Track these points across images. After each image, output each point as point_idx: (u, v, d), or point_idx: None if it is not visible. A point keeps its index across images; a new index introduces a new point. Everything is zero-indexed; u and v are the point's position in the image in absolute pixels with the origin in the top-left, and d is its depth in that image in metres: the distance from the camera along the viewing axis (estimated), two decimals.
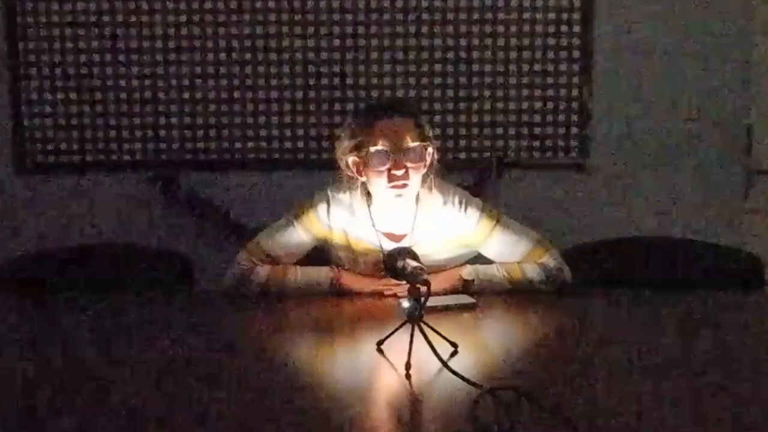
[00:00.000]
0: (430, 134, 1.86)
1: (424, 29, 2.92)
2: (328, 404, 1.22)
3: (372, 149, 1.77)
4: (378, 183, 1.81)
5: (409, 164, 1.78)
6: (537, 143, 2.98)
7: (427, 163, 1.83)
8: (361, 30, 2.92)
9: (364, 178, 1.85)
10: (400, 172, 1.77)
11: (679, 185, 3.01)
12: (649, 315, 1.78)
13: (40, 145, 2.95)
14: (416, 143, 1.79)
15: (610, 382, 1.31)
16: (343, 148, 1.85)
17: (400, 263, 1.51)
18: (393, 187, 1.79)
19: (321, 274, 1.90)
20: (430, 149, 1.83)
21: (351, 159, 1.83)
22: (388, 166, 1.77)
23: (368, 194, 1.89)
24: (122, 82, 2.92)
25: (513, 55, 2.94)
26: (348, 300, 1.86)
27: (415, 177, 1.81)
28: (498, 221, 1.90)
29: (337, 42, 2.92)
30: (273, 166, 2.97)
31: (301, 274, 1.90)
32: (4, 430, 1.11)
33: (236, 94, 2.94)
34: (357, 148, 1.81)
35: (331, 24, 2.91)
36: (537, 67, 2.95)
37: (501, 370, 1.41)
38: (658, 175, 3.01)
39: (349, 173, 1.86)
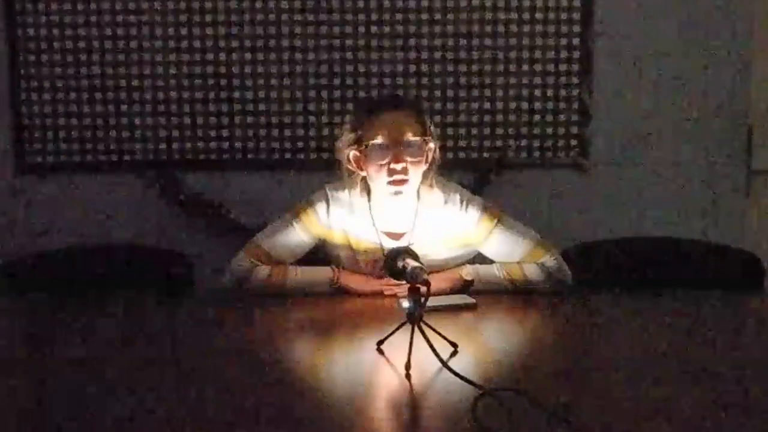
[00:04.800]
0: (432, 130, 1.86)
1: (424, 29, 2.92)
2: (328, 404, 1.22)
3: (372, 142, 1.78)
4: (377, 178, 1.81)
5: (408, 159, 1.78)
6: (537, 143, 2.98)
7: (428, 158, 1.83)
8: (361, 29, 2.92)
9: (363, 173, 1.85)
10: (399, 167, 1.77)
11: (679, 185, 3.01)
12: (648, 315, 1.78)
13: (40, 145, 2.95)
14: (416, 137, 1.79)
15: (609, 382, 1.31)
16: (343, 142, 1.85)
17: (400, 263, 1.51)
18: (392, 182, 1.79)
19: (321, 274, 1.90)
20: (431, 144, 1.83)
21: (351, 153, 1.83)
22: (387, 160, 1.77)
23: (368, 190, 1.89)
24: (122, 82, 2.92)
25: (513, 55, 2.94)
26: (348, 300, 1.86)
27: (415, 172, 1.80)
28: (499, 221, 1.90)
29: (337, 41, 2.92)
30: (273, 166, 2.97)
31: (301, 274, 1.90)
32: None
33: (236, 94, 2.94)
34: (357, 142, 1.81)
35: (331, 23, 2.91)
36: (537, 67, 2.95)
37: (501, 371, 1.41)
38: (657, 175, 3.00)
39: (350, 167, 1.86)
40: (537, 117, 2.97)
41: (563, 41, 2.94)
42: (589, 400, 1.22)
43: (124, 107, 2.93)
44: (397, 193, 1.80)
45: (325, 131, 2.94)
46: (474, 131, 2.97)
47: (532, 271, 1.88)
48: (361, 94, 2.93)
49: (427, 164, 1.84)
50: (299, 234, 1.92)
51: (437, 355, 1.28)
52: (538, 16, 2.92)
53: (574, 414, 1.11)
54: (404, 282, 1.46)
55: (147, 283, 2.10)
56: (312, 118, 2.95)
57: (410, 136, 1.78)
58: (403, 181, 1.79)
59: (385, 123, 1.79)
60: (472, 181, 2.88)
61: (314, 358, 1.53)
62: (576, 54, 2.94)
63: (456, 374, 1.22)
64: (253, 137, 2.96)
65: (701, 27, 2.94)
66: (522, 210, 2.23)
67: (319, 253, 1.98)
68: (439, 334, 1.38)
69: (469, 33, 2.93)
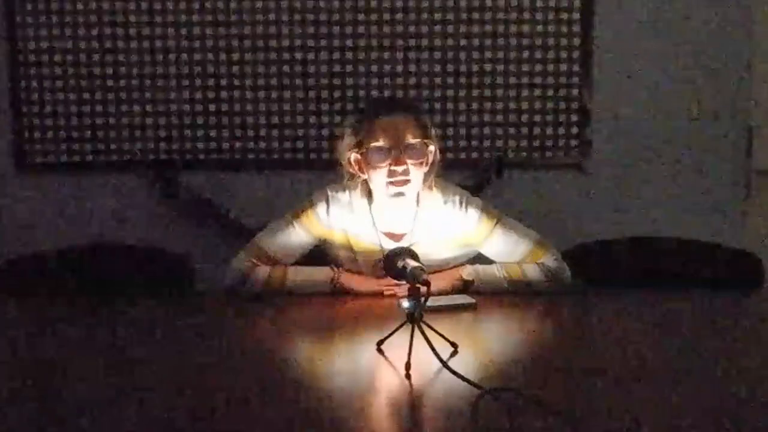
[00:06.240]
0: (432, 132, 1.86)
1: (424, 29, 2.92)
2: (328, 404, 1.22)
3: (372, 146, 1.78)
4: (378, 180, 1.81)
5: (409, 161, 1.78)
6: (537, 143, 2.99)
7: (429, 161, 1.83)
8: (361, 30, 2.92)
9: (365, 176, 1.84)
10: (400, 169, 1.77)
11: (679, 185, 3.01)
12: (648, 315, 1.78)
13: (40, 145, 2.95)
14: (417, 140, 1.79)
15: (609, 382, 1.30)
16: (344, 145, 1.85)
17: (400, 263, 1.51)
18: (393, 184, 1.79)
19: (321, 274, 1.90)
20: (431, 147, 1.83)
21: (352, 156, 1.83)
22: (388, 162, 1.77)
23: (369, 193, 1.89)
24: (122, 82, 2.92)
25: (513, 55, 2.94)
26: (348, 300, 1.86)
27: (416, 175, 1.80)
28: (498, 221, 1.90)
29: (336, 42, 2.92)
30: (273, 166, 2.97)
31: (301, 274, 1.90)
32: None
33: (236, 94, 2.94)
34: (358, 145, 1.81)
35: (331, 24, 2.92)
36: (537, 67, 2.95)
37: (501, 370, 1.41)
38: (657, 175, 3.01)
39: (350, 170, 1.85)
40: (537, 117, 2.98)
41: (563, 41, 2.94)
42: (588, 400, 1.22)
43: (124, 107, 2.93)
44: (398, 194, 1.80)
45: (325, 131, 2.94)
46: (474, 131, 2.98)
47: (532, 271, 1.88)
48: (361, 94, 2.94)
49: (428, 166, 1.83)
50: (299, 234, 1.92)
51: (437, 355, 1.28)
52: (538, 16, 2.92)
53: (573, 414, 1.11)
54: (404, 282, 1.46)
55: (146, 283, 2.10)
56: (312, 118, 2.96)
57: (411, 139, 1.78)
58: (404, 182, 1.79)
59: (385, 126, 1.78)
60: (472, 181, 2.88)
61: (314, 358, 1.52)
62: (576, 54, 2.95)
63: (456, 374, 1.22)
64: (253, 137, 2.96)
65: (702, 28, 2.94)
66: (522, 210, 2.23)
67: (320, 254, 1.98)
68: (439, 334, 1.38)
69: (470, 33, 2.93)
